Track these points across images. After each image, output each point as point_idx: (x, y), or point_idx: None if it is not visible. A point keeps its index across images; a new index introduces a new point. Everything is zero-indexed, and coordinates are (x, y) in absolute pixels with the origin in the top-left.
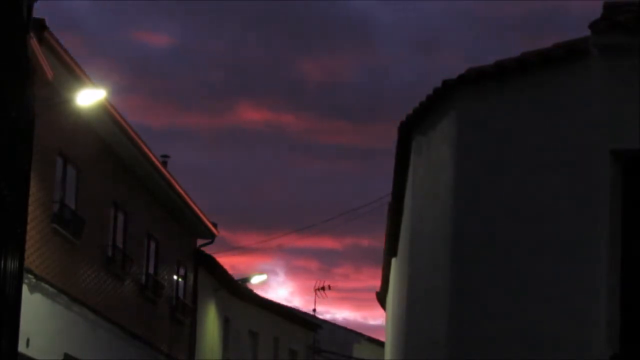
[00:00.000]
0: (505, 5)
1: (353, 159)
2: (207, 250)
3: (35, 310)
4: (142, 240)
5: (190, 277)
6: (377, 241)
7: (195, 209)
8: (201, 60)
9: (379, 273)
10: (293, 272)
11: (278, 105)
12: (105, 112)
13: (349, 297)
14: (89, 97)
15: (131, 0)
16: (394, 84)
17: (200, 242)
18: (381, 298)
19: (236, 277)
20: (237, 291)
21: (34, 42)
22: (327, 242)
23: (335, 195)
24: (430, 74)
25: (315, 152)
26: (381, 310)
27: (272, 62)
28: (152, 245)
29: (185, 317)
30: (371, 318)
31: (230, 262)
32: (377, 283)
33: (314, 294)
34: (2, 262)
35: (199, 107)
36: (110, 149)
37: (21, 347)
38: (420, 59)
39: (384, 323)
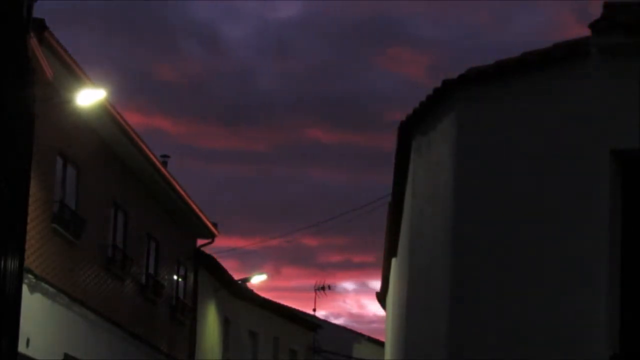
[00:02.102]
0: (354, 11)
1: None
2: (207, 250)
3: (35, 310)
4: (142, 240)
5: (190, 277)
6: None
7: (195, 209)
8: None
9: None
10: None
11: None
12: (105, 112)
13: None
14: (89, 97)
15: None
16: (253, 89)
17: (200, 242)
18: (381, 298)
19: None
20: (237, 291)
21: (34, 42)
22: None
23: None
24: (283, 80)
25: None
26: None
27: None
28: (152, 245)
29: (185, 317)
30: None
31: None
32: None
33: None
34: (2, 262)
35: None
36: (110, 149)
37: (21, 347)
38: (272, 65)
39: (384, 323)
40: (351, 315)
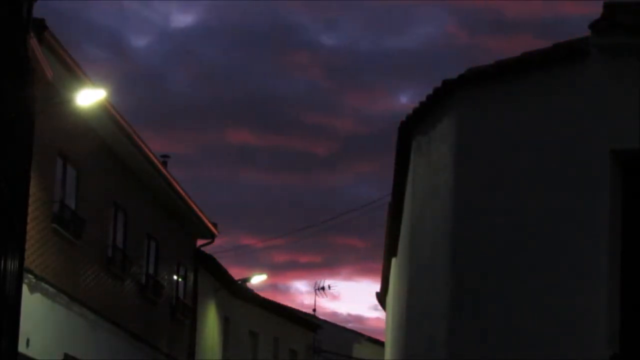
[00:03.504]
0: (254, 18)
1: None
2: (207, 250)
3: (35, 310)
4: (142, 240)
5: (190, 277)
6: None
7: (195, 209)
8: None
9: None
10: None
11: None
12: (105, 112)
13: None
14: (89, 97)
15: None
16: (164, 93)
17: (200, 242)
18: (381, 298)
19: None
20: (237, 291)
21: (34, 42)
22: None
23: None
24: (194, 84)
25: None
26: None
27: None
28: (152, 245)
29: (185, 317)
30: None
31: None
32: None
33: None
34: (2, 262)
35: None
36: (110, 149)
37: (21, 347)
38: (179, 70)
39: (384, 323)
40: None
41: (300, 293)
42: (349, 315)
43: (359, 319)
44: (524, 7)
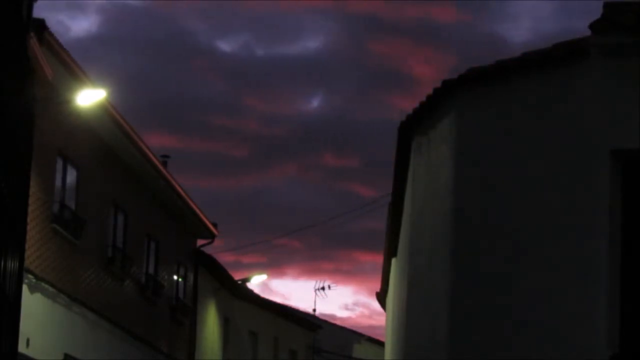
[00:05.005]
0: (149, 26)
1: None
2: (207, 250)
3: (35, 310)
4: (142, 240)
5: (190, 277)
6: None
7: (195, 209)
8: None
9: None
10: None
11: None
12: (105, 112)
13: None
14: (89, 97)
15: None
16: None
17: (200, 242)
18: (381, 298)
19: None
20: (237, 291)
21: (34, 42)
22: None
23: None
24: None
25: None
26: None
27: None
28: (152, 245)
29: (185, 317)
30: None
31: None
32: None
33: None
34: (2, 262)
35: None
36: (110, 149)
37: (21, 347)
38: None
39: (384, 323)
40: None
41: None
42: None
43: None
44: (403, 13)
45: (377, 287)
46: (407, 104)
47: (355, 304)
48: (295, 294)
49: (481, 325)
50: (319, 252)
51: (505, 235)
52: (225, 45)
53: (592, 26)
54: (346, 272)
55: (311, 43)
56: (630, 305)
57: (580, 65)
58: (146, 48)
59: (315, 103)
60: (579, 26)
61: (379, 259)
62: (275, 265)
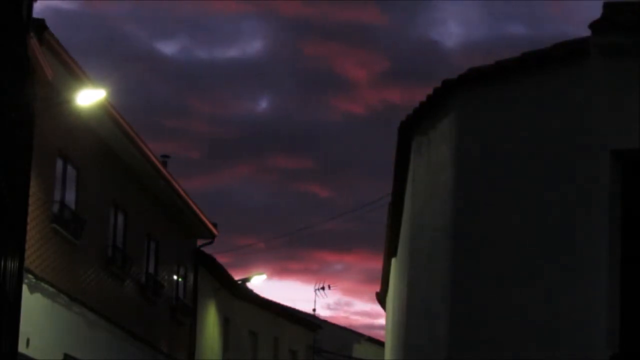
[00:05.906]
0: (86, 30)
1: None
2: (207, 250)
3: (35, 310)
4: (142, 240)
5: (190, 277)
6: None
7: (195, 209)
8: None
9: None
10: None
11: None
12: (105, 112)
13: None
14: (89, 97)
15: None
16: None
17: (200, 242)
18: (381, 298)
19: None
20: (237, 291)
21: (34, 42)
22: None
23: None
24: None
25: None
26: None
27: None
28: (152, 245)
29: (185, 317)
30: None
31: None
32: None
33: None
34: (2, 262)
35: None
36: (110, 149)
37: (21, 347)
38: None
39: (384, 323)
40: None
41: None
42: None
43: None
44: (333, 17)
45: (352, 286)
46: (349, 107)
47: (338, 303)
48: (268, 293)
49: (481, 325)
50: (285, 252)
51: (504, 235)
52: (165, 48)
53: (592, 26)
54: (315, 272)
55: (249, 46)
56: (630, 305)
57: (580, 65)
58: (87, 51)
59: (263, 104)
60: (512, 30)
61: (348, 259)
62: (242, 265)
